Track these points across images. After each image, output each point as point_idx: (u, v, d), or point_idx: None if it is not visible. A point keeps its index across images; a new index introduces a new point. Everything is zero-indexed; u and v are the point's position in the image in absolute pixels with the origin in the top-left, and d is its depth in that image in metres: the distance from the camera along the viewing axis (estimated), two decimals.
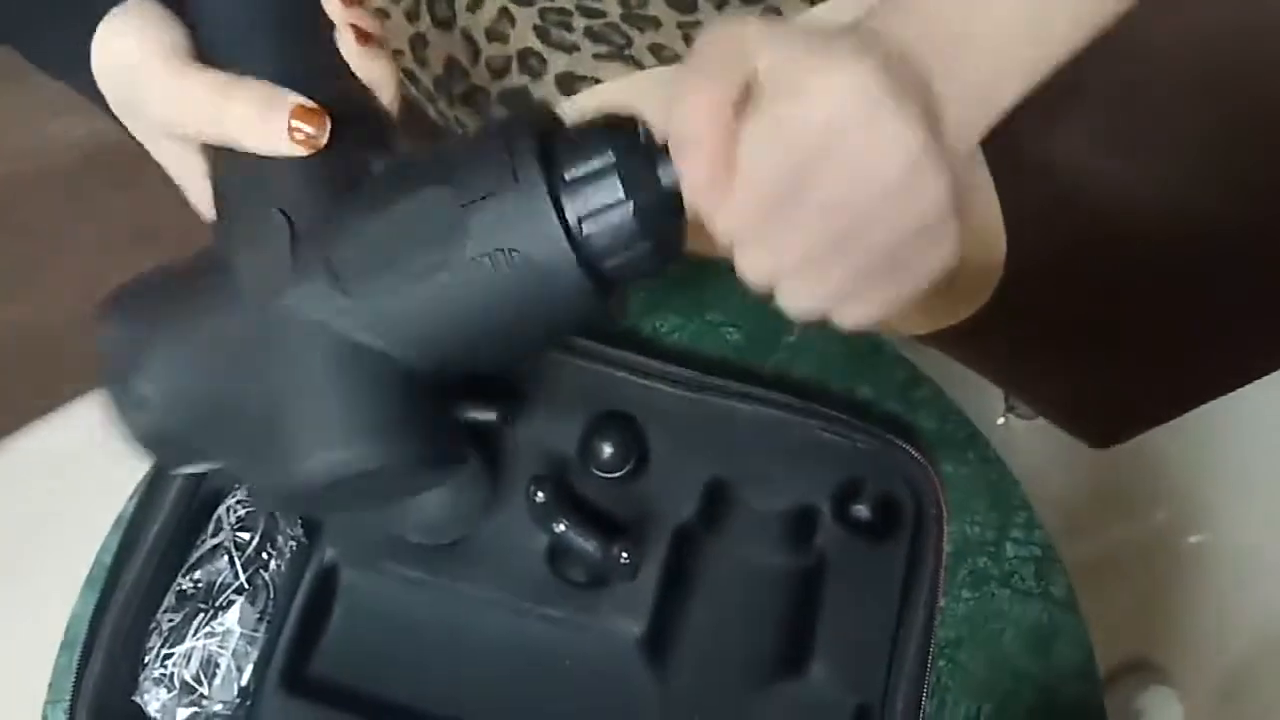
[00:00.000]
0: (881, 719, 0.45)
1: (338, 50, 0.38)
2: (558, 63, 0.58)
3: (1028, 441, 1.01)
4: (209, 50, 0.37)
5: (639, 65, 0.58)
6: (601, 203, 0.32)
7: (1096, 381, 0.86)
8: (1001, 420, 1.01)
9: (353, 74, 0.38)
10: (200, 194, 0.39)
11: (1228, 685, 0.98)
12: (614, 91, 0.57)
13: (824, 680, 0.46)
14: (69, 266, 0.83)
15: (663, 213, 0.33)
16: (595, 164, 0.32)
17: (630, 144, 0.33)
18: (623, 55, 0.58)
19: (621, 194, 0.32)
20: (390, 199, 0.33)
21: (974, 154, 0.51)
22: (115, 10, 0.38)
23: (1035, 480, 0.56)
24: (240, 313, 0.34)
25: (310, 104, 0.35)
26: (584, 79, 0.58)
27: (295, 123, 0.35)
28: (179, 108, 0.36)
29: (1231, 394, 0.82)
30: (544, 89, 0.58)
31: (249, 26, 0.37)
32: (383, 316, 0.33)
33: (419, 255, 0.32)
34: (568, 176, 0.32)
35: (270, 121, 0.35)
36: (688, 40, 0.59)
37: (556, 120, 0.35)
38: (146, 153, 0.81)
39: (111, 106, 0.39)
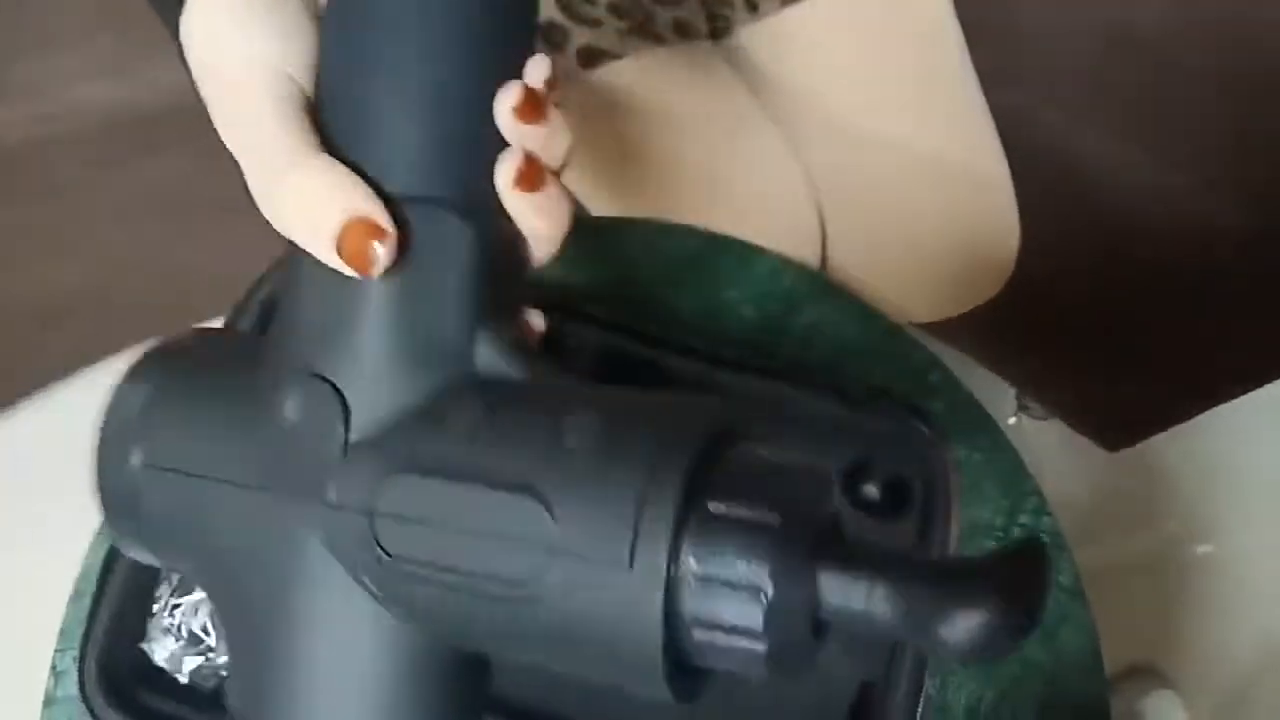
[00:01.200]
0: (885, 697, 0.45)
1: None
2: (580, 36, 0.58)
3: (1039, 442, 1.00)
4: (326, 98, 0.28)
5: (661, 40, 0.58)
6: (728, 622, 0.23)
7: (1110, 381, 0.86)
8: (1013, 420, 1.01)
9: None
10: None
11: (1232, 693, 0.97)
12: (630, 70, 0.57)
13: (829, 655, 0.46)
14: (89, 233, 0.83)
15: (800, 652, 0.25)
16: (742, 571, 0.23)
17: (791, 549, 0.23)
18: (645, 30, 0.58)
19: (759, 628, 0.23)
20: (472, 466, 0.25)
21: None
22: None
23: (1045, 482, 0.56)
24: (259, 470, 0.27)
25: (371, 216, 0.26)
26: (606, 53, 0.58)
27: (347, 233, 0.26)
28: (250, 156, 0.28)
29: (1247, 406, 0.82)
30: (566, 61, 0.58)
31: (384, 92, 0.27)
32: (413, 602, 0.26)
33: (476, 561, 0.24)
34: (698, 569, 0.23)
35: (318, 218, 0.26)
36: (710, 17, 0.59)
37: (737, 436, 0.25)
38: (172, 122, 0.81)
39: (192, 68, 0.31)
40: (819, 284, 0.55)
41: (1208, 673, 0.98)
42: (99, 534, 0.49)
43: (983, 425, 0.53)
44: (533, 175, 0.27)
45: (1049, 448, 0.99)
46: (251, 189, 0.28)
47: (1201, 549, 1.04)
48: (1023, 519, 0.51)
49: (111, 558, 0.46)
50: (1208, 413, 0.89)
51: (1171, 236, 0.73)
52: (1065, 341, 0.83)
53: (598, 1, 0.59)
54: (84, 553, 0.50)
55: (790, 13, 0.60)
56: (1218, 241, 0.71)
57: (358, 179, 0.26)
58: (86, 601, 0.45)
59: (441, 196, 0.27)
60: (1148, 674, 0.97)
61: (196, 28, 0.29)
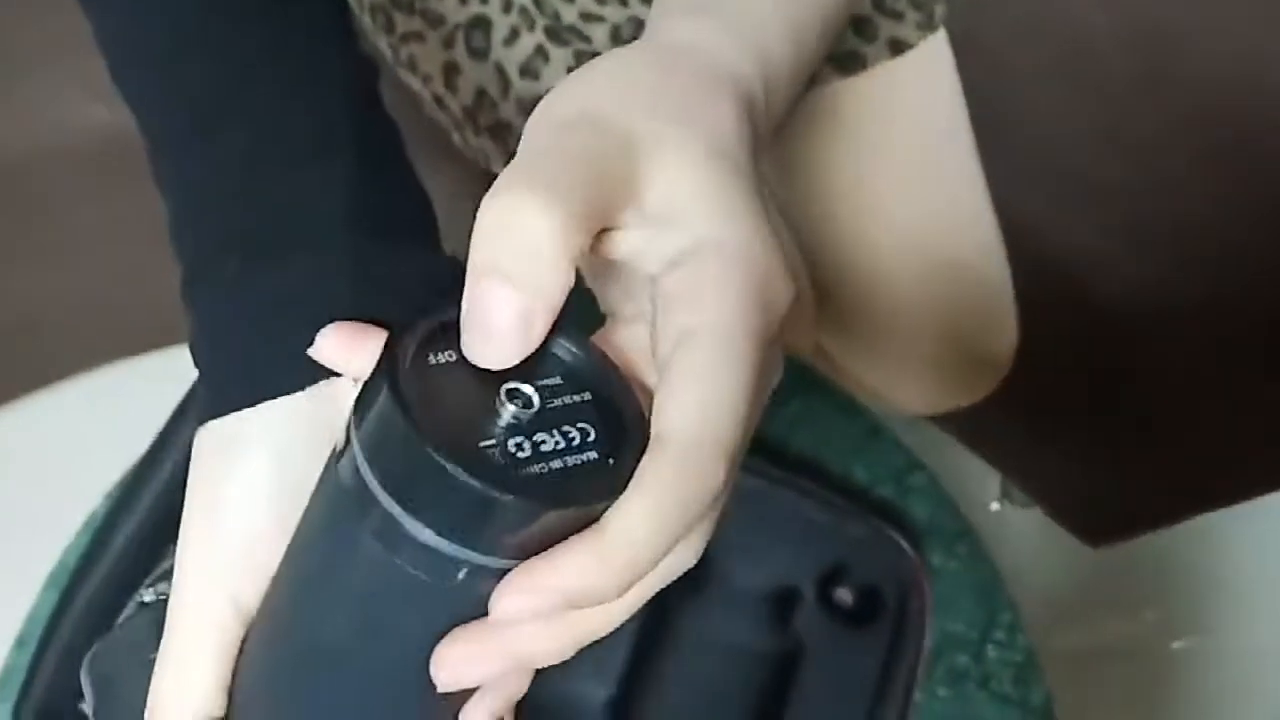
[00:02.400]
0: None
1: None
2: None
3: (1021, 529, 1.00)
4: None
5: None
6: None
7: (1097, 480, 0.86)
8: (996, 505, 1.00)
9: None
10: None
11: None
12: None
13: None
14: (80, 250, 0.83)
15: None
16: None
17: None
18: None
19: None
20: None
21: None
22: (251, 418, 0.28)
23: (1025, 568, 0.56)
24: None
25: None
26: None
27: None
28: (169, 638, 0.28)
29: (1233, 514, 0.81)
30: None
31: None
32: None
33: None
34: None
35: None
36: None
37: None
38: None
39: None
40: (806, 376, 0.55)
41: None
42: (50, 578, 0.48)
43: (962, 534, 0.52)
44: None
45: (1030, 535, 0.99)
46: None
47: (1178, 644, 1.03)
48: (997, 634, 0.50)
49: (61, 608, 0.44)
50: (1193, 520, 0.88)
51: (1167, 343, 0.73)
52: (1055, 437, 0.83)
53: None
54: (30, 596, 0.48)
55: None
56: (1212, 345, 0.71)
57: None
58: (31, 648, 0.44)
59: None
60: None
61: (213, 480, 0.28)
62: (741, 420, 0.24)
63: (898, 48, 0.59)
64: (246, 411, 0.28)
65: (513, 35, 0.58)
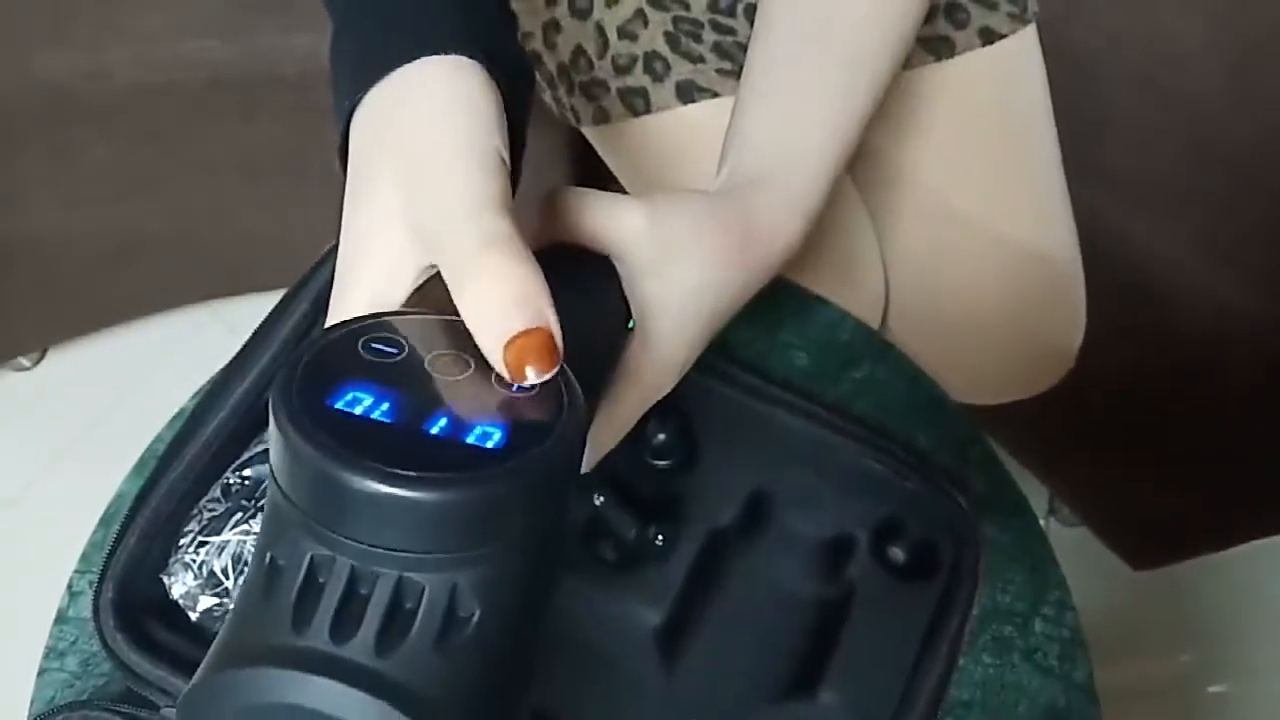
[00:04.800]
0: None
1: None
2: (681, 70, 0.59)
3: (1065, 550, 0.99)
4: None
5: None
6: None
7: (1147, 499, 0.85)
8: (1042, 522, 1.00)
9: None
10: (349, 302, 0.32)
11: None
12: (719, 110, 0.58)
13: (830, 710, 0.45)
14: (173, 181, 0.85)
15: None
16: None
17: None
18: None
19: None
20: None
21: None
22: (425, 61, 0.32)
23: None
24: None
25: (552, 334, 0.26)
26: (704, 90, 0.59)
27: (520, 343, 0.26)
28: (441, 236, 0.29)
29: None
30: (663, 93, 0.59)
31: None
32: None
33: None
34: None
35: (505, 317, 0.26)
36: None
37: None
38: (270, 89, 0.83)
39: (352, 157, 0.33)
40: (875, 342, 0.56)
41: None
42: (137, 464, 0.50)
43: (1017, 508, 0.52)
44: None
45: (1073, 556, 0.98)
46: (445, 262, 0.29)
47: (1213, 689, 1.01)
48: (1046, 609, 0.50)
49: (147, 489, 0.46)
50: (1241, 547, 0.87)
51: (1237, 365, 0.72)
52: (1109, 452, 0.82)
53: (704, 40, 0.60)
54: (116, 483, 0.50)
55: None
56: (1277, 373, 0.71)
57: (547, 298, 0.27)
58: (115, 527, 0.46)
59: None
60: None
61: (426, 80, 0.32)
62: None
63: (988, 37, 0.60)
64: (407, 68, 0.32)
65: None
